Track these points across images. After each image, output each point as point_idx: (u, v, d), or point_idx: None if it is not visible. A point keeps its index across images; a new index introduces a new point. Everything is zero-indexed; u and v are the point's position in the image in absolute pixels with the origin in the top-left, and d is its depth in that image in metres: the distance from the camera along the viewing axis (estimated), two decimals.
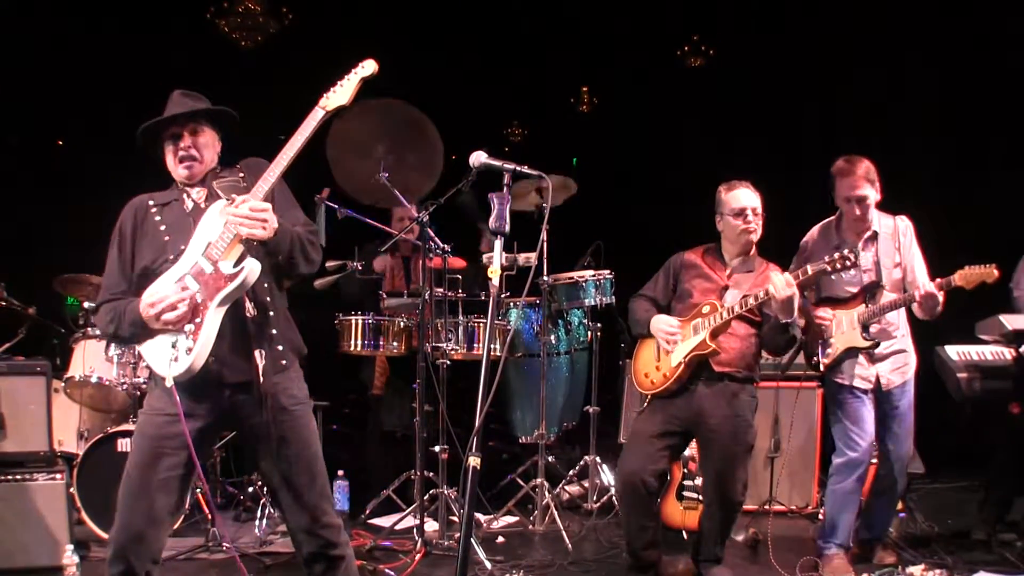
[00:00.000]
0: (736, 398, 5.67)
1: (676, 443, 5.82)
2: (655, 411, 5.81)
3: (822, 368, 6.02)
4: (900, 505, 6.90)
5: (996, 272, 5.46)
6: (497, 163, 3.95)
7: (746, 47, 10.71)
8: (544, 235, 6.49)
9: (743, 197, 5.74)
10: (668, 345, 5.71)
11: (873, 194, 5.86)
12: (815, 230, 6.19)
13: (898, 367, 5.98)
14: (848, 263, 5.37)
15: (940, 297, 5.62)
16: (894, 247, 5.95)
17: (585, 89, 12.65)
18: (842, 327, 5.92)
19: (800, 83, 10.27)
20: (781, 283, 5.37)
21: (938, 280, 5.65)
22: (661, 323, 5.78)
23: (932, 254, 6.04)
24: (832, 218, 6.11)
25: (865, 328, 5.86)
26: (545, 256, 7.24)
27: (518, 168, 3.91)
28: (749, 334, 5.73)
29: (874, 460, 6.18)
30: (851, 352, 5.92)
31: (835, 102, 10.09)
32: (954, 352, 6.58)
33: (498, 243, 3.79)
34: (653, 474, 5.65)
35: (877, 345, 5.87)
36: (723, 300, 5.68)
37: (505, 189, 3.84)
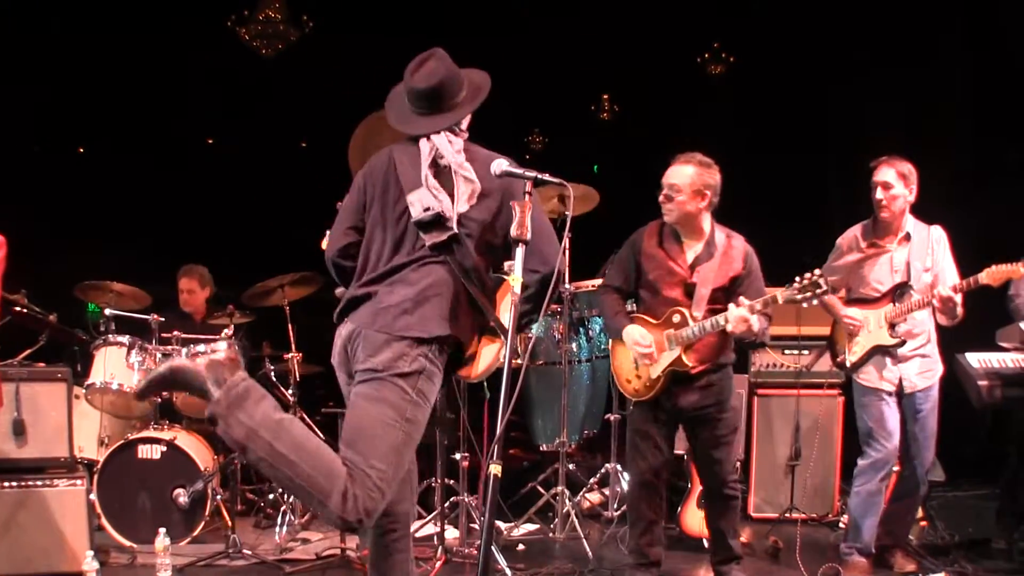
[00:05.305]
0: (715, 387, 5.67)
1: (670, 432, 5.84)
2: (644, 409, 5.81)
3: (848, 366, 6.08)
4: (921, 513, 6.89)
5: (1023, 270, 5.51)
6: (518, 170, 3.94)
7: (767, 54, 10.68)
8: (565, 243, 6.48)
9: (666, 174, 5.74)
10: (646, 360, 5.68)
11: (901, 187, 5.90)
12: (853, 229, 6.21)
13: (923, 371, 6.02)
14: (819, 290, 5.28)
15: (958, 299, 5.66)
16: (927, 252, 5.98)
17: (606, 97, 12.63)
18: (869, 326, 5.98)
19: (822, 90, 10.23)
20: (735, 318, 5.33)
21: (960, 282, 5.71)
22: (634, 341, 5.67)
23: (961, 257, 6.08)
24: (870, 219, 6.14)
25: (892, 327, 5.89)
26: (566, 264, 7.25)
27: (539, 175, 3.90)
28: None
29: (895, 467, 6.19)
30: (877, 352, 5.97)
31: (859, 109, 10.04)
32: (975, 359, 6.55)
33: (520, 251, 3.78)
34: (664, 466, 5.80)
35: (904, 343, 5.92)
36: (691, 304, 5.57)
37: (527, 197, 3.83)
